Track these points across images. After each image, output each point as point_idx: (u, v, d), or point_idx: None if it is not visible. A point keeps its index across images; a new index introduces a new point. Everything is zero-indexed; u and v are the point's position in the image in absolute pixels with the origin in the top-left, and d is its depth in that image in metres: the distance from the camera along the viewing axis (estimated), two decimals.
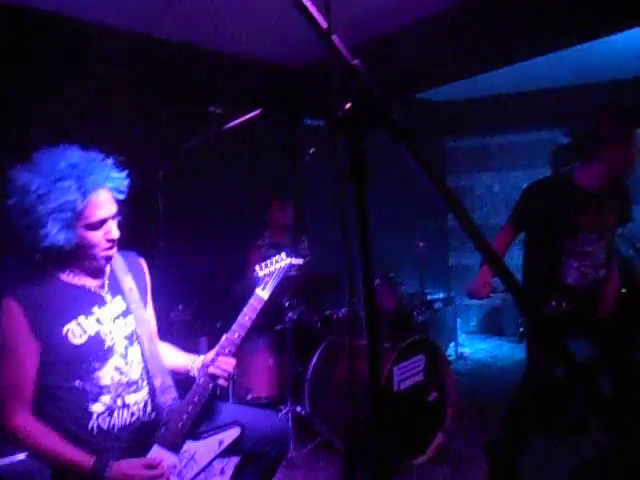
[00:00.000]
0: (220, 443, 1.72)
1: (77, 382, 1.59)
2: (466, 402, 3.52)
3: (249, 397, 3.09)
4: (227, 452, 1.76)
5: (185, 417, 1.68)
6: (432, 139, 6.31)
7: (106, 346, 1.65)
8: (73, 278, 1.67)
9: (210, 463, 1.72)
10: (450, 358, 4.96)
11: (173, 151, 3.08)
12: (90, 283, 1.70)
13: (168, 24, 3.65)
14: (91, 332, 1.62)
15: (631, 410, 2.38)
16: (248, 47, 4.17)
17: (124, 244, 1.81)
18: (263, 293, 1.93)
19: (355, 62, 0.80)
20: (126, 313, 1.74)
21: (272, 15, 3.43)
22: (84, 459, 1.52)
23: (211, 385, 1.76)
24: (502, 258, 0.81)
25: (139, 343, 1.75)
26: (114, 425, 1.63)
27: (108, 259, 1.70)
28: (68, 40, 3.35)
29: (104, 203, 1.60)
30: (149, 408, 1.73)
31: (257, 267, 1.97)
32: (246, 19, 3.63)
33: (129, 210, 1.86)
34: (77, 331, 1.60)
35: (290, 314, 3.02)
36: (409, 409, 2.80)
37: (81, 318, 1.62)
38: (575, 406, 3.04)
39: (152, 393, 1.73)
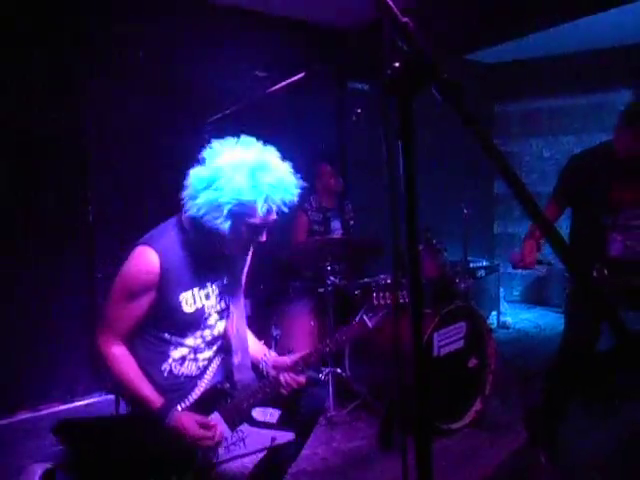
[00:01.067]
0: (273, 440, 1.80)
1: (167, 335, 1.75)
2: (507, 370, 3.51)
3: None
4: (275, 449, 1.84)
5: (252, 401, 1.80)
6: (480, 102, 6.10)
7: (204, 318, 1.78)
8: (203, 251, 1.76)
9: (256, 452, 1.83)
10: (492, 326, 4.92)
11: (218, 113, 3.10)
12: (212, 259, 1.80)
13: None
14: (199, 305, 1.76)
15: None
16: (293, 9, 4.09)
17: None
18: (369, 322, 1.98)
19: (405, 20, 0.78)
20: (226, 290, 1.86)
21: None
22: (155, 398, 1.67)
23: (279, 387, 1.83)
24: (553, 224, 0.78)
25: (228, 319, 1.87)
26: (182, 373, 1.78)
27: (240, 255, 1.83)
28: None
29: (270, 213, 1.69)
30: (214, 367, 1.86)
31: (375, 295, 2.00)
32: None
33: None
34: (190, 300, 1.73)
35: (332, 278, 3.05)
36: (449, 374, 2.81)
37: (196, 290, 1.75)
38: (615, 379, 2.98)
39: (230, 368, 1.85)
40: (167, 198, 1.94)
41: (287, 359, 1.89)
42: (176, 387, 1.77)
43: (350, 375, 3.03)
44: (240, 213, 1.62)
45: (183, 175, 1.96)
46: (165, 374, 1.76)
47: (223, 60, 3.80)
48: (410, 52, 0.78)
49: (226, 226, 1.62)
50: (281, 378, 1.82)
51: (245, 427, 1.79)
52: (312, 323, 3.21)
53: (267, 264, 3.23)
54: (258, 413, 1.83)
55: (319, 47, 4.43)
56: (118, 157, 3.39)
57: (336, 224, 3.73)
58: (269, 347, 3.11)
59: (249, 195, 1.59)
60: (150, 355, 1.75)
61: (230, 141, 1.68)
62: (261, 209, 1.62)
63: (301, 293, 3.28)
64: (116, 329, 1.70)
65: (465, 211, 3.76)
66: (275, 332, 3.15)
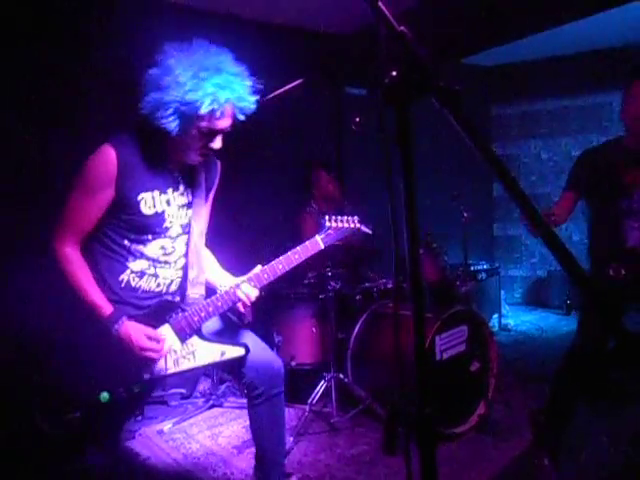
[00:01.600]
0: (222, 354, 1.80)
1: (126, 241, 1.74)
2: (509, 373, 3.50)
3: (293, 363, 3.17)
4: (225, 366, 1.88)
5: (203, 314, 1.79)
6: (478, 105, 6.12)
7: (164, 226, 1.76)
8: (161, 158, 1.76)
9: (206, 366, 1.82)
10: (494, 329, 4.91)
11: None
12: (173, 167, 1.79)
13: None
14: (159, 209, 1.74)
15: None
16: (290, 16, 4.11)
17: None
18: (321, 242, 1.99)
19: (401, 28, 0.79)
20: (189, 205, 1.84)
21: None
22: (104, 305, 1.67)
23: (232, 302, 1.83)
24: (552, 228, 0.79)
25: (188, 234, 1.85)
26: (140, 287, 1.77)
27: (196, 161, 1.79)
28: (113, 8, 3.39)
29: (226, 116, 1.67)
30: (175, 288, 1.85)
31: (327, 217, 2.02)
32: None
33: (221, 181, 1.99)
34: (149, 202, 1.72)
35: (332, 284, 3.05)
36: (451, 378, 2.81)
37: (156, 193, 1.73)
38: (621, 378, 2.97)
39: (184, 280, 1.84)
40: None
41: (241, 277, 1.88)
42: (132, 301, 1.76)
43: (352, 380, 3.03)
44: (187, 114, 1.60)
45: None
46: (122, 284, 1.75)
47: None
48: (407, 60, 0.79)
49: (173, 126, 1.61)
50: (237, 292, 1.82)
51: (195, 340, 1.79)
52: (314, 329, 3.21)
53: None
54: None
55: (316, 53, 4.45)
56: None
57: None
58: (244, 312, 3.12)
59: (193, 95, 1.56)
60: (109, 263, 1.74)
61: (185, 44, 1.65)
62: (205, 109, 1.58)
63: (302, 299, 3.28)
64: (73, 229, 1.68)
65: (465, 214, 3.77)
66: (277, 339, 3.15)
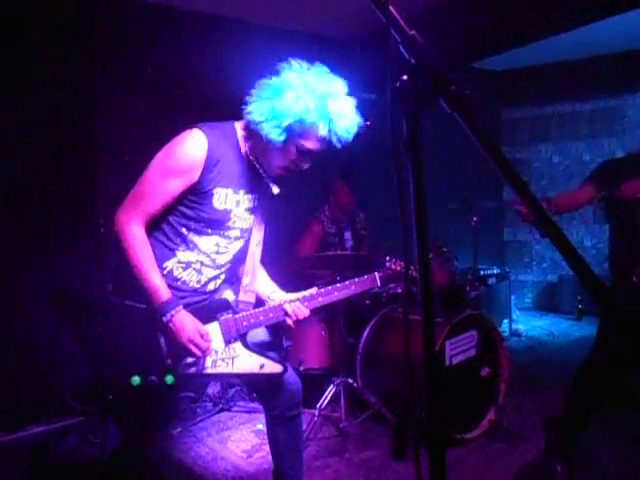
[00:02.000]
0: (261, 367, 1.78)
1: (184, 230, 1.72)
2: (520, 379, 3.47)
3: (302, 368, 3.16)
4: (258, 380, 1.84)
5: (253, 321, 1.78)
6: (489, 110, 6.10)
7: (227, 224, 1.75)
8: (247, 158, 1.76)
9: (242, 375, 1.79)
10: (504, 334, 4.88)
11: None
12: (253, 170, 1.78)
13: (222, 1, 3.67)
14: (228, 206, 1.73)
15: None
16: (300, 21, 4.13)
17: None
18: (379, 280, 2.02)
19: (412, 32, 0.79)
20: (252, 211, 1.83)
21: None
22: (164, 290, 1.63)
23: (282, 316, 1.82)
24: (564, 235, 0.78)
25: (247, 241, 1.85)
26: (181, 278, 1.75)
27: (278, 175, 1.79)
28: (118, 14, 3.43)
29: (324, 140, 1.68)
30: (212, 288, 1.83)
31: (388, 258, 2.07)
32: None
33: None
34: (222, 198, 1.71)
35: None
36: (462, 384, 2.79)
37: (230, 190, 1.72)
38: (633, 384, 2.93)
39: (237, 286, 1.84)
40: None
41: (292, 294, 1.88)
42: (170, 288, 1.71)
43: (362, 385, 3.02)
44: (297, 131, 1.61)
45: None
46: (165, 271, 1.72)
47: (230, 72, 3.85)
48: (418, 65, 0.79)
49: (280, 139, 1.61)
50: (287, 306, 1.81)
51: (238, 346, 1.76)
52: (323, 333, 3.21)
53: (278, 274, 3.23)
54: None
55: (326, 58, 4.46)
56: (128, 168, 3.43)
57: (347, 235, 3.75)
58: (280, 357, 3.13)
59: (313, 116, 1.59)
60: (159, 247, 1.71)
61: (304, 64, 1.67)
62: (320, 133, 1.61)
63: None
64: (144, 208, 1.64)
65: (475, 219, 3.75)
66: (286, 343, 3.15)
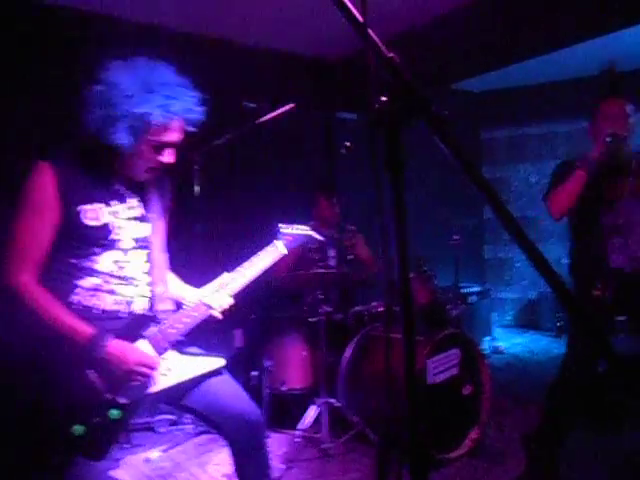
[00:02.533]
0: (202, 367, 1.74)
1: (74, 260, 1.65)
2: (502, 396, 3.48)
3: (283, 388, 3.13)
4: (202, 418, 1.79)
5: (179, 326, 1.73)
6: (468, 130, 6.21)
7: (110, 237, 1.69)
8: (105, 173, 1.72)
9: (184, 383, 1.72)
10: (485, 352, 4.89)
11: (207, 145, 3.13)
12: (120, 183, 1.75)
13: (204, 19, 3.70)
14: (105, 220, 1.68)
15: None
16: (281, 41, 4.18)
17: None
18: (283, 247, 2.00)
19: (391, 55, 0.80)
20: (143, 219, 1.79)
21: (306, 10, 3.43)
22: (84, 327, 1.57)
23: (207, 312, 1.79)
24: (541, 252, 0.79)
25: (148, 250, 1.80)
26: (94, 305, 1.67)
27: (145, 177, 1.76)
28: (101, 35, 3.43)
29: (176, 129, 1.67)
30: (138, 307, 1.75)
31: (282, 225, 2.06)
32: (281, 14, 3.65)
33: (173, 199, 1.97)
34: (92, 214, 1.65)
35: (324, 307, 3.04)
36: (444, 402, 2.78)
37: (98, 205, 1.68)
38: (615, 401, 2.96)
39: (152, 297, 1.78)
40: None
41: (207, 287, 1.86)
42: (94, 321, 1.62)
43: (344, 405, 2.99)
44: (137, 127, 1.59)
45: (174, 207, 1.97)
46: (74, 306, 1.63)
47: (210, 91, 3.86)
48: (397, 86, 0.80)
49: (124, 141, 1.59)
50: (207, 300, 1.79)
51: (171, 355, 1.72)
52: (304, 353, 3.18)
53: (259, 294, 3.21)
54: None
55: (307, 78, 4.51)
56: None
57: (331, 252, 3.74)
58: (261, 378, 3.10)
59: (143, 108, 1.56)
60: (55, 285, 1.62)
61: (128, 60, 1.65)
62: (156, 122, 1.59)
63: (293, 323, 3.26)
64: (27, 257, 1.59)
65: (455, 237, 3.78)
66: (267, 363, 3.11)
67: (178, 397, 1.75)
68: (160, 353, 1.70)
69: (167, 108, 1.60)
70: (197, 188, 3.23)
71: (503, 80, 5.51)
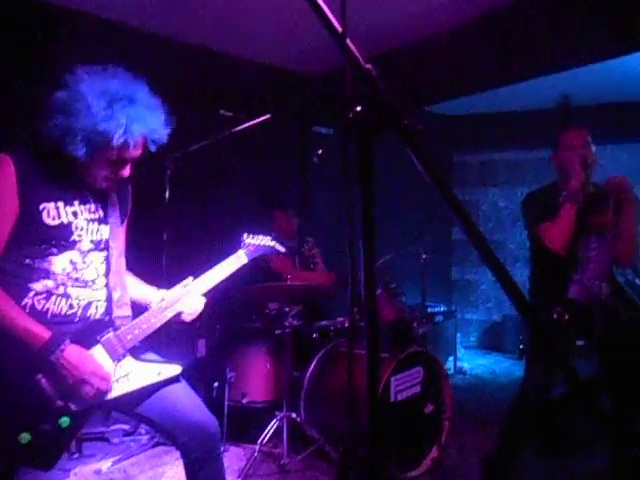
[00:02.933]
0: (159, 373, 1.70)
1: (28, 260, 1.59)
2: (463, 416, 3.49)
3: (244, 400, 3.07)
4: (156, 427, 1.74)
5: (137, 332, 1.69)
6: (441, 152, 6.31)
7: (71, 239, 1.65)
8: (66, 173, 1.68)
9: (139, 390, 1.68)
10: (449, 372, 4.92)
11: (181, 151, 3.10)
12: (81, 185, 1.71)
13: (184, 26, 3.67)
14: (64, 220, 1.63)
15: (630, 429, 2.36)
16: (261, 53, 4.19)
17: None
18: (245, 256, 2.02)
19: (368, 66, 0.80)
20: (102, 221, 1.75)
21: (287, 22, 3.45)
22: (40, 330, 1.52)
23: (170, 315, 1.77)
24: (508, 272, 0.79)
25: (107, 253, 1.76)
26: (48, 309, 1.61)
27: (103, 186, 1.72)
28: (82, 37, 3.37)
29: (136, 147, 1.64)
30: (94, 312, 1.70)
31: (245, 234, 2.09)
32: (261, 25, 3.65)
33: (135, 205, 1.93)
34: (52, 213, 1.61)
35: (290, 320, 3.00)
36: (405, 421, 2.77)
37: (60, 203, 1.63)
38: (571, 426, 3.01)
39: (109, 302, 1.73)
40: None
41: (172, 291, 1.84)
42: (49, 326, 1.57)
43: (305, 420, 2.95)
44: (97, 143, 1.56)
45: (144, 211, 1.93)
46: (27, 310, 1.57)
47: (187, 97, 3.83)
48: (372, 96, 0.79)
49: (81, 153, 1.56)
50: (179, 306, 1.78)
51: (129, 361, 1.68)
52: (268, 366, 3.13)
53: (224, 304, 3.16)
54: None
55: (285, 90, 4.52)
56: None
57: (295, 261, 3.72)
58: (222, 390, 3.03)
59: (105, 125, 1.52)
60: (7, 288, 1.56)
61: (96, 68, 1.61)
62: (116, 141, 1.55)
63: (258, 335, 3.21)
64: None
65: (424, 256, 3.81)
66: (229, 375, 3.05)
67: (133, 405, 1.70)
68: (116, 359, 1.66)
69: (130, 129, 1.57)
70: (167, 193, 3.18)
71: (476, 106, 5.64)
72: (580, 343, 2.48)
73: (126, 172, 1.70)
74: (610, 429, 2.39)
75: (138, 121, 1.58)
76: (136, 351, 1.72)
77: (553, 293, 2.41)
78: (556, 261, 2.41)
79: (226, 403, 3.04)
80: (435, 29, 3.78)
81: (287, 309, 3.01)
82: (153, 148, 1.69)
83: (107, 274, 1.76)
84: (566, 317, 2.32)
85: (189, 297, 1.83)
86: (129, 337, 1.68)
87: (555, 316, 2.33)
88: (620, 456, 2.37)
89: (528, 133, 5.92)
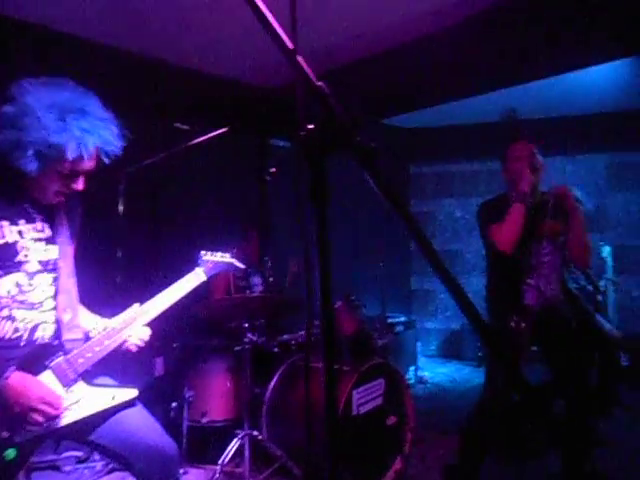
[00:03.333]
0: (113, 397, 1.65)
1: None
2: (425, 426, 3.52)
3: (204, 420, 3.00)
4: (108, 452, 1.67)
5: (88, 355, 1.63)
6: (398, 164, 6.43)
7: (17, 259, 1.59)
8: (11, 191, 1.62)
9: (92, 417, 1.61)
10: (410, 382, 4.96)
11: (134, 165, 3.03)
12: (27, 202, 1.66)
13: (139, 39, 3.62)
14: (9, 239, 1.58)
15: (582, 433, 2.43)
16: (219, 66, 4.17)
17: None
18: (203, 274, 1.99)
19: (319, 83, 0.80)
20: (50, 241, 1.70)
21: (245, 37, 3.45)
22: None
23: (119, 342, 1.72)
24: (459, 284, 0.81)
25: (55, 274, 1.70)
26: None
27: (54, 201, 1.68)
28: (36, 49, 3.27)
29: (89, 160, 1.60)
30: (42, 334, 1.64)
31: (203, 252, 2.07)
32: (218, 39, 3.64)
33: (89, 218, 1.89)
34: None
35: (250, 335, 2.96)
36: (368, 433, 2.77)
37: (5, 222, 1.58)
38: (527, 430, 3.08)
39: (58, 324, 1.67)
40: (79, 246, 1.86)
41: (121, 316, 1.78)
42: None
43: (267, 437, 2.90)
44: (49, 156, 1.52)
45: (97, 227, 1.87)
46: None
47: (142, 110, 3.76)
48: (324, 115, 0.79)
49: (32, 167, 1.51)
50: (126, 334, 1.73)
51: (81, 386, 1.61)
52: (228, 383, 3.07)
53: (182, 321, 3.09)
54: None
55: (243, 103, 4.51)
56: None
57: (256, 279, 3.68)
58: (181, 409, 2.95)
59: (57, 138, 1.50)
60: None
61: (43, 79, 1.57)
62: (71, 154, 1.53)
63: (217, 351, 3.15)
64: None
65: (383, 267, 3.85)
66: (188, 394, 2.98)
67: (85, 432, 1.63)
68: (66, 385, 1.59)
69: (83, 141, 1.54)
70: (121, 208, 3.10)
71: (432, 119, 5.79)
72: (534, 349, 2.55)
73: (80, 185, 1.66)
74: (559, 433, 2.46)
75: (91, 133, 1.55)
76: (88, 375, 1.66)
77: (509, 299, 2.47)
78: (510, 267, 2.48)
79: (185, 423, 2.96)
80: (395, 43, 3.85)
81: (247, 324, 2.97)
82: (107, 161, 1.65)
83: (56, 295, 1.69)
84: (523, 325, 2.39)
85: (137, 324, 1.77)
86: (80, 361, 1.62)
87: (512, 324, 2.40)
88: (571, 460, 2.44)
89: (480, 145, 6.11)
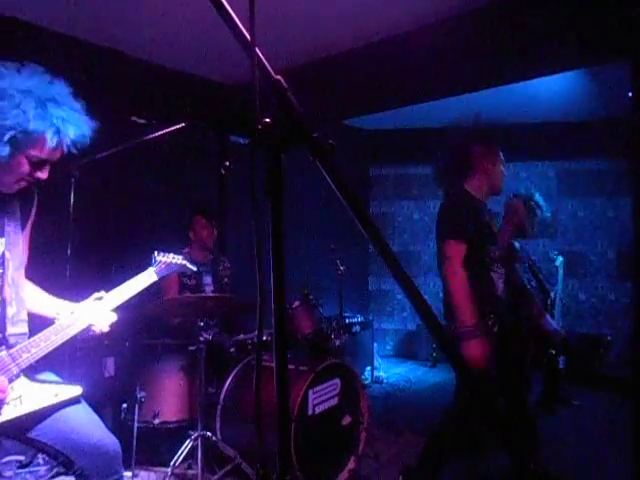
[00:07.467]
0: (56, 395, 1.61)
1: None
2: (380, 426, 3.55)
3: (156, 421, 2.92)
4: (47, 450, 1.64)
5: (33, 350, 1.59)
6: (358, 165, 6.47)
7: None
8: None
9: (33, 413, 1.57)
10: (366, 382, 5.01)
11: (88, 158, 2.92)
12: None
13: (95, 28, 3.50)
14: None
15: (522, 431, 2.53)
16: (179, 61, 4.08)
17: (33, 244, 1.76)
18: (155, 274, 2.01)
19: (277, 77, 0.78)
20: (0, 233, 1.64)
21: (205, 31, 3.39)
22: None
23: (76, 331, 1.70)
24: (415, 286, 0.81)
25: (2, 267, 1.64)
26: None
27: (13, 189, 1.63)
28: None
29: (57, 148, 1.58)
30: None
31: (156, 252, 2.09)
32: (178, 33, 3.56)
33: (39, 212, 1.83)
34: None
35: (204, 335, 2.90)
36: (323, 433, 2.77)
37: None
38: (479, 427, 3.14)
39: (2, 318, 1.62)
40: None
41: (83, 303, 1.78)
42: None
43: (221, 438, 2.86)
44: (23, 142, 1.50)
45: (47, 222, 1.80)
46: None
47: (98, 102, 3.64)
48: (281, 109, 0.78)
49: (3, 153, 1.49)
50: (88, 319, 1.72)
51: (23, 382, 1.57)
52: (181, 383, 3.01)
53: (134, 320, 3.00)
54: None
55: (202, 99, 4.43)
56: None
57: (207, 279, 3.61)
58: (132, 410, 2.87)
59: (37, 125, 1.49)
60: None
61: (13, 65, 1.54)
62: (50, 142, 1.52)
63: (170, 351, 3.07)
64: None
65: (341, 267, 3.86)
66: (140, 394, 2.89)
67: (25, 429, 1.57)
68: (9, 379, 1.53)
69: (63, 130, 1.53)
70: (72, 202, 2.98)
71: (391, 121, 5.85)
72: None
73: (44, 174, 1.62)
74: (501, 431, 2.51)
75: (71, 123, 1.55)
76: (32, 371, 1.60)
77: (487, 292, 2.46)
78: (487, 260, 2.52)
79: (136, 425, 2.87)
80: (355, 43, 3.87)
81: (201, 323, 2.91)
82: (73, 151, 1.63)
83: (1, 288, 1.62)
84: (496, 328, 2.42)
85: (100, 311, 1.77)
86: (25, 356, 1.57)
87: (489, 323, 2.41)
88: (516, 458, 2.48)
89: (439, 148, 6.22)
